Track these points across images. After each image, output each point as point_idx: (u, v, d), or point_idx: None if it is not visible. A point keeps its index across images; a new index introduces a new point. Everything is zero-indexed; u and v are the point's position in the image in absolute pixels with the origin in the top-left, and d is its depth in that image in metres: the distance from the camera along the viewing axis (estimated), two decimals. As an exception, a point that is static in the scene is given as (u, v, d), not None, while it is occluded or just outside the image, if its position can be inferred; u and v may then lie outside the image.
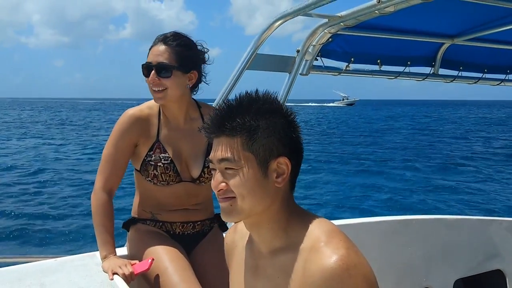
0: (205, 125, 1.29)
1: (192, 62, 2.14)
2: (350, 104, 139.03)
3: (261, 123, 1.23)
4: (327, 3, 2.16)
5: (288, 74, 2.76)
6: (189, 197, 2.22)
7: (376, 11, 2.21)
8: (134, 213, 2.32)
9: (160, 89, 2.08)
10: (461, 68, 3.29)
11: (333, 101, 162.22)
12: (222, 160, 1.24)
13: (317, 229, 1.23)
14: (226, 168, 1.24)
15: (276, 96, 1.32)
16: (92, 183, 2.22)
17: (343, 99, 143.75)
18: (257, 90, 1.31)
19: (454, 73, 3.30)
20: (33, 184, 14.10)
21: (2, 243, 8.60)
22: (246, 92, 1.31)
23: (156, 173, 2.15)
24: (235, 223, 1.50)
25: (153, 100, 2.19)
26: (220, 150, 1.24)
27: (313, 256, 1.17)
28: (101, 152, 2.19)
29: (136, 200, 2.32)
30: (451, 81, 3.32)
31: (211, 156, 1.28)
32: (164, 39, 2.10)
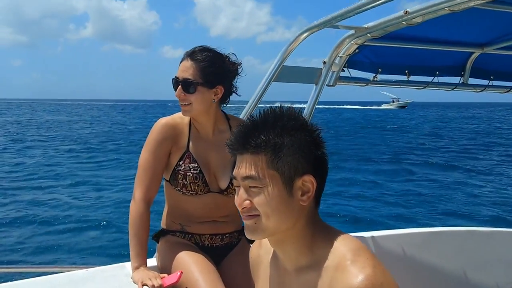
0: (229, 142, 1.29)
1: (217, 78, 2.16)
2: (402, 107, 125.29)
3: (286, 141, 1.22)
4: (353, 15, 2.16)
5: (314, 86, 2.76)
6: (217, 209, 2.24)
7: (403, 22, 2.20)
8: (163, 224, 2.35)
9: (186, 103, 2.14)
10: (492, 77, 3.22)
11: (379, 103, 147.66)
12: (246, 178, 1.23)
13: (343, 246, 1.22)
14: (250, 186, 1.23)
15: (300, 112, 1.31)
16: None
17: (393, 101, 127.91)
18: (281, 106, 1.30)
19: (485, 82, 3.23)
20: (64, 193, 14.36)
21: (34, 253, 8.79)
22: (271, 108, 1.29)
23: (185, 182, 2.18)
24: None
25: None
26: (244, 168, 1.23)
27: (339, 275, 1.16)
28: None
29: (165, 211, 2.35)
30: (482, 90, 3.25)
31: (235, 172, 1.27)
32: (191, 54, 2.15)
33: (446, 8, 1.97)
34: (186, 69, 2.12)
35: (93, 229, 10.28)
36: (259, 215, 1.23)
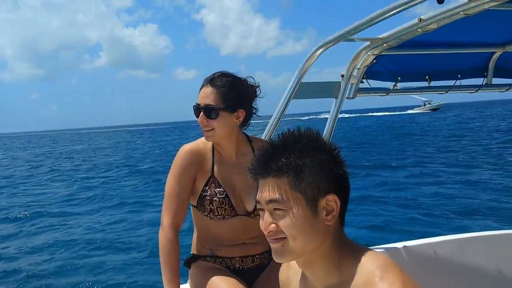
0: (250, 167, 1.30)
1: (238, 102, 2.19)
2: (435, 110, 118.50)
3: (306, 162, 1.23)
4: (367, 27, 2.15)
5: (334, 100, 2.75)
6: (245, 231, 2.24)
7: (419, 30, 2.17)
8: (194, 250, 2.36)
9: (208, 129, 2.16)
10: None
11: (407, 108, 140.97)
12: (271, 201, 1.23)
13: (370, 263, 1.21)
14: (275, 209, 1.24)
15: (318, 132, 1.32)
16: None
17: (424, 104, 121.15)
18: (299, 128, 1.31)
19: (510, 81, 3.16)
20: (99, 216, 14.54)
21: (61, 277, 8.91)
22: (289, 131, 1.31)
23: (212, 207, 2.19)
24: None
25: None
26: (268, 191, 1.24)
27: None
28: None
29: (195, 236, 2.37)
30: (507, 89, 3.18)
31: (258, 197, 1.28)
32: (211, 80, 2.18)
33: (460, 13, 1.94)
34: (207, 95, 2.15)
35: (127, 251, 10.37)
36: (285, 237, 1.23)
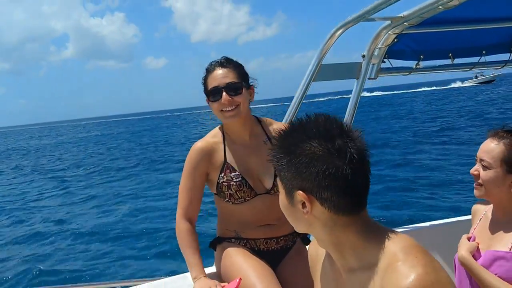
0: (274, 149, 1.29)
1: (248, 78, 2.28)
2: (488, 82, 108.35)
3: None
4: (387, 7, 2.13)
5: (355, 80, 2.74)
6: (269, 211, 2.27)
7: (440, 7, 2.14)
8: (219, 232, 2.41)
9: (233, 107, 2.18)
10: None
11: (456, 81, 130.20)
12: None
13: (393, 245, 1.20)
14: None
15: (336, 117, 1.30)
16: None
17: (476, 77, 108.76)
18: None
19: None
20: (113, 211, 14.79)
21: (98, 268, 9.16)
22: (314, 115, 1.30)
23: (231, 192, 2.24)
24: None
25: (215, 129, 2.34)
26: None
27: (390, 275, 1.14)
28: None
29: (219, 220, 2.42)
30: (535, 64, 3.10)
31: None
32: (221, 63, 2.24)
33: None
34: (226, 75, 2.19)
35: (153, 240, 10.55)
36: None
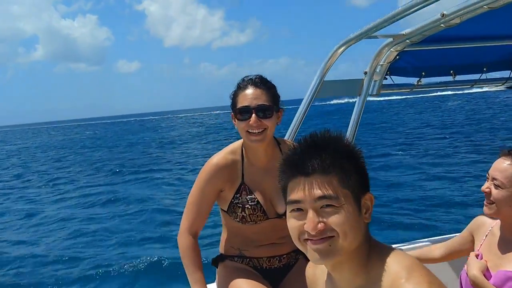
0: (291, 165, 1.28)
1: (279, 101, 2.22)
2: None
3: (347, 161, 1.26)
4: (389, 25, 2.15)
5: (357, 97, 2.74)
6: (275, 232, 2.26)
7: (442, 25, 2.16)
8: (222, 249, 2.39)
9: (261, 130, 2.13)
10: None
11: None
12: (323, 197, 1.22)
13: (396, 264, 1.20)
14: (324, 206, 1.22)
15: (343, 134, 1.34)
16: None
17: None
18: (329, 130, 1.33)
19: None
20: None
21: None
22: (324, 131, 1.33)
23: (244, 214, 2.21)
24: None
25: (234, 144, 2.28)
26: (318, 188, 1.22)
27: None
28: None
29: (223, 237, 2.40)
30: (536, 81, 3.12)
31: (299, 196, 1.24)
32: (255, 83, 2.17)
33: (484, 6, 1.92)
34: (258, 96, 2.13)
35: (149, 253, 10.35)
36: (333, 236, 1.21)
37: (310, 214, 1.22)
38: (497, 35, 2.73)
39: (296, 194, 1.25)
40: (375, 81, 2.72)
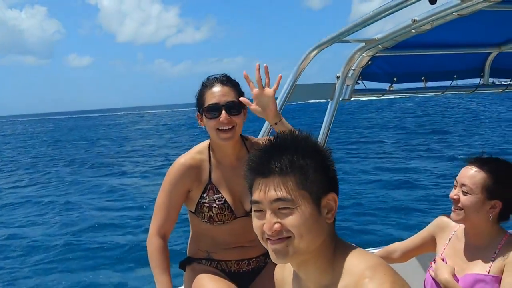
0: (252, 165, 1.29)
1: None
2: None
3: (308, 162, 1.25)
4: (361, 29, 2.15)
5: (330, 101, 2.74)
6: (245, 233, 2.23)
7: (413, 30, 2.16)
8: (189, 252, 2.35)
9: (230, 127, 2.12)
10: None
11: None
12: (277, 200, 1.22)
13: (361, 263, 1.22)
14: (280, 208, 1.23)
15: (311, 133, 1.34)
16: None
17: None
18: (294, 129, 1.37)
19: (506, 81, 3.16)
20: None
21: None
22: (290, 130, 1.35)
23: (212, 214, 2.18)
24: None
25: (201, 144, 2.26)
26: (273, 190, 1.23)
27: None
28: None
29: (191, 239, 2.36)
30: (504, 90, 3.17)
31: (259, 197, 1.25)
32: (221, 81, 2.16)
33: (454, 13, 1.93)
34: (227, 93, 2.13)
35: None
36: (290, 237, 1.22)
37: (268, 215, 1.24)
38: (468, 43, 2.77)
39: (256, 195, 1.27)
40: (347, 85, 2.72)
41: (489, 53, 2.96)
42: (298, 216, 1.21)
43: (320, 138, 2.73)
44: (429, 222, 2.39)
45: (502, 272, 1.99)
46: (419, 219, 10.18)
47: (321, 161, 1.27)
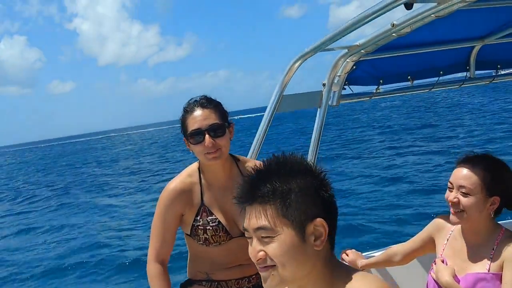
0: (236, 195, 1.28)
1: (228, 116, 2.22)
2: None
3: (293, 186, 1.20)
4: (342, 37, 2.15)
5: (318, 109, 2.74)
6: (242, 252, 2.21)
7: (394, 34, 2.17)
8: (189, 274, 2.35)
9: (216, 149, 2.11)
10: (499, 66, 3.15)
11: None
12: (258, 229, 1.21)
13: (364, 286, 1.19)
14: (262, 237, 1.21)
15: (302, 155, 1.30)
16: None
17: None
18: (283, 152, 1.30)
19: (492, 73, 3.16)
20: None
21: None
22: (273, 155, 1.30)
23: (207, 236, 2.18)
24: None
25: (191, 167, 2.26)
26: (255, 218, 1.21)
27: None
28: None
29: (190, 261, 2.36)
30: (491, 81, 3.19)
31: (245, 224, 1.26)
32: (201, 104, 2.15)
33: (432, 15, 1.94)
34: (208, 116, 2.12)
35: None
36: (275, 265, 1.21)
37: (253, 242, 1.23)
38: (450, 39, 2.77)
39: (244, 222, 1.26)
40: (334, 92, 2.72)
41: (473, 47, 2.97)
42: (279, 245, 1.19)
43: (312, 146, 2.73)
44: (425, 223, 2.39)
45: (501, 268, 1.98)
46: (412, 218, 10.19)
47: (307, 184, 1.22)
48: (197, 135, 2.11)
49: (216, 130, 2.10)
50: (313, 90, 2.76)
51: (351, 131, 36.03)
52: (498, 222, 2.14)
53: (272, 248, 1.20)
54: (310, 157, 2.73)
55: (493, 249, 2.03)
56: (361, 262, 2.61)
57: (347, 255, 2.68)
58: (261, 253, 1.21)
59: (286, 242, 1.19)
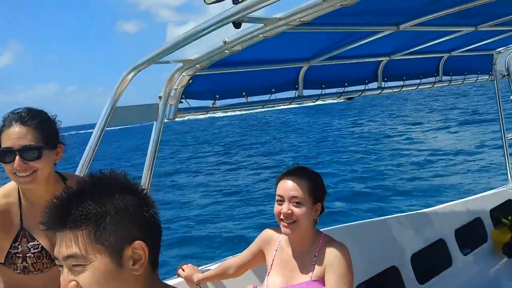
0: (43, 220, 1.14)
1: (57, 136, 2.02)
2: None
3: (108, 208, 1.11)
4: (175, 51, 2.14)
5: (154, 122, 2.68)
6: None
7: (226, 51, 2.23)
8: None
9: (29, 173, 1.89)
10: (323, 86, 3.44)
11: None
12: (68, 257, 1.10)
13: None
14: (73, 265, 1.10)
15: (122, 172, 1.21)
16: None
17: None
18: (100, 170, 1.19)
19: (318, 92, 3.44)
20: None
21: None
22: (90, 174, 1.19)
23: (26, 264, 1.96)
24: None
25: (8, 186, 2.02)
26: (65, 246, 1.09)
27: None
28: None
29: None
30: (317, 100, 3.46)
31: (55, 252, 1.13)
32: (22, 119, 1.91)
33: (260, 35, 2.04)
34: (23, 136, 1.88)
35: None
36: None
37: (65, 272, 1.12)
38: (279, 59, 2.96)
39: (54, 250, 1.14)
40: (170, 105, 2.69)
41: (300, 67, 3.20)
42: (91, 274, 1.09)
43: (147, 161, 2.65)
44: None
45: (324, 274, 2.14)
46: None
47: (126, 204, 1.13)
48: (8, 154, 1.88)
49: (29, 152, 1.89)
50: (149, 103, 2.68)
51: (189, 147, 37.52)
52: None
53: (84, 278, 1.09)
54: (145, 172, 2.64)
55: (315, 256, 2.18)
56: (197, 276, 2.61)
57: (183, 270, 2.66)
58: (73, 283, 1.10)
59: (99, 270, 1.09)
